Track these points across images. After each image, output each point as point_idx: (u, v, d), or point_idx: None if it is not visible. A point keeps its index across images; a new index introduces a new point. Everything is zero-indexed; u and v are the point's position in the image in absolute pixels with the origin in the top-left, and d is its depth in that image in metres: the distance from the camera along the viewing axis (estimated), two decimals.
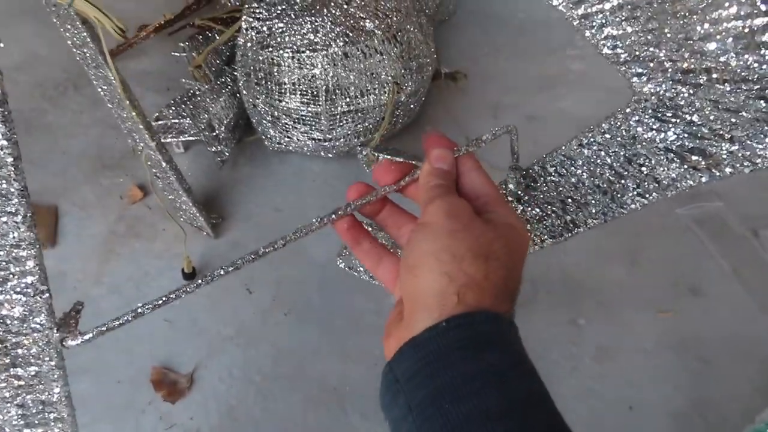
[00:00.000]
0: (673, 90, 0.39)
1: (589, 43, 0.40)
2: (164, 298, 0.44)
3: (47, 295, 0.40)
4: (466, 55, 1.72)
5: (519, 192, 0.53)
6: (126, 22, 1.82)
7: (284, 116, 1.26)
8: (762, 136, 0.38)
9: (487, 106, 1.58)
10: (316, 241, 1.25)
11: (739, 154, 0.40)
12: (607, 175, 0.47)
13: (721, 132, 0.40)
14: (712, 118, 0.39)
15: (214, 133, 1.27)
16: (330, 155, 1.36)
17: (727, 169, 0.41)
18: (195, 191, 1.37)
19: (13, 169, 0.35)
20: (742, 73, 0.36)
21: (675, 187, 0.44)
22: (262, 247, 0.47)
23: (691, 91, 0.39)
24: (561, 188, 0.50)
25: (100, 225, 1.30)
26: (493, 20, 1.88)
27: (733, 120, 0.39)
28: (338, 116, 1.23)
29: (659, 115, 0.41)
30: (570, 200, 0.50)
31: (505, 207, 0.43)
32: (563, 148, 0.48)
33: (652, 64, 0.39)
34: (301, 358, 1.08)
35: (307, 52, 1.16)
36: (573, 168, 0.48)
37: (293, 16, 1.17)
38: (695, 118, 0.40)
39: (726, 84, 0.37)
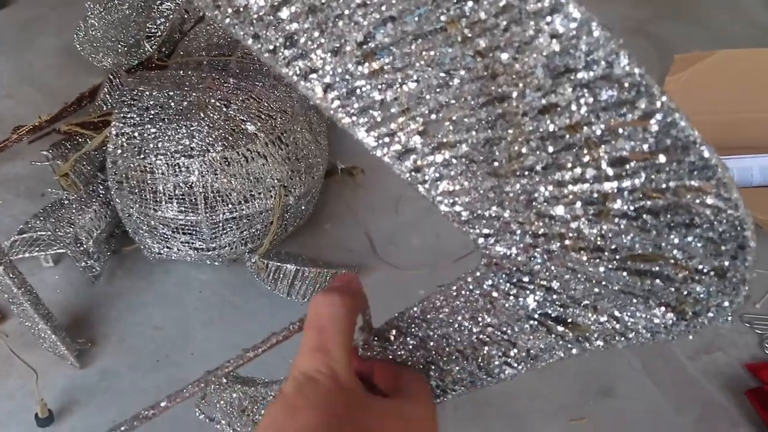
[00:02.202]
0: (524, 254, 0.33)
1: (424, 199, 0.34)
2: None
3: None
4: (366, 150, 1.68)
5: (370, 355, 0.45)
6: (3, 122, 1.68)
7: (162, 225, 1.15)
8: (632, 308, 0.32)
9: (387, 200, 1.53)
10: (202, 362, 1.11)
11: (609, 326, 0.33)
12: (467, 340, 0.39)
13: (584, 302, 0.33)
14: (572, 286, 0.33)
15: (82, 248, 1.14)
16: (216, 263, 1.25)
17: (598, 342, 0.35)
18: (63, 312, 1.21)
19: None
20: (598, 243, 0.30)
21: (544, 358, 0.37)
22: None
23: (545, 257, 0.32)
24: (419, 352, 0.42)
25: None
26: None
27: (596, 290, 0.32)
28: (221, 224, 1.13)
29: (515, 279, 0.35)
30: (432, 365, 0.42)
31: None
32: (414, 308, 0.40)
33: (497, 224, 0.32)
34: None
35: (183, 158, 1.07)
36: (429, 331, 0.41)
37: (167, 121, 1.09)
38: (554, 285, 0.33)
39: (582, 252, 0.31)
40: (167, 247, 1.19)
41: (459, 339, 0.40)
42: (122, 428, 0.39)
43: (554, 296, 0.34)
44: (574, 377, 1.13)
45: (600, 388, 1.12)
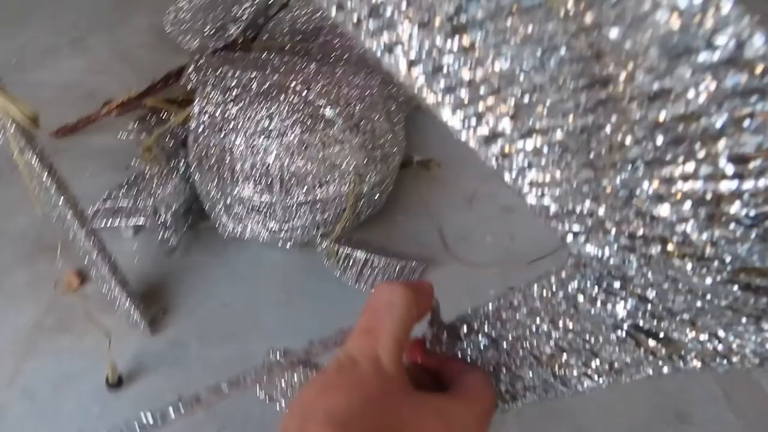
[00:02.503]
0: (619, 256, 0.29)
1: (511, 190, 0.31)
2: None
3: None
4: (443, 143, 1.65)
5: (442, 351, 0.42)
6: (95, 96, 1.77)
7: (237, 204, 1.16)
8: (739, 328, 0.28)
9: (462, 195, 1.50)
10: (268, 338, 1.13)
11: (709, 347, 0.30)
12: (544, 346, 0.36)
13: (683, 316, 0.29)
14: (671, 297, 0.29)
15: (160, 220, 1.17)
16: (288, 246, 1.26)
17: (694, 362, 0.31)
18: (139, 280, 1.26)
19: None
20: (707, 251, 0.26)
21: (630, 373, 0.34)
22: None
23: (642, 262, 0.29)
24: (489, 352, 0.39)
25: (26, 316, 1.18)
26: None
27: (698, 304, 0.28)
28: (294, 207, 1.14)
29: (604, 284, 0.31)
30: (504, 368, 0.40)
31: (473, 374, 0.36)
32: (489, 305, 0.38)
33: (590, 222, 0.29)
34: None
35: (261, 138, 1.08)
36: (503, 331, 0.38)
37: (248, 102, 1.10)
38: (650, 294, 0.30)
39: (686, 260, 0.27)
40: (241, 226, 1.20)
41: (535, 343, 0.37)
42: (181, 406, 0.39)
43: (648, 306, 0.30)
44: (648, 396, 1.06)
45: (675, 412, 1.05)
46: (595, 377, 0.35)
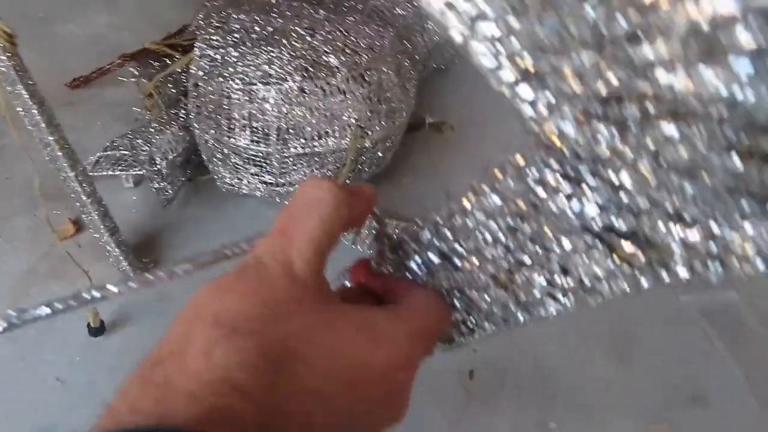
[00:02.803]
0: (587, 129, 0.23)
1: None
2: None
3: None
4: (461, 108, 1.58)
5: (389, 269, 0.36)
6: (118, 51, 1.73)
7: (234, 155, 1.11)
8: (739, 218, 0.21)
9: (475, 162, 1.42)
10: None
11: (700, 247, 0.23)
12: (502, 260, 0.30)
13: (667, 208, 0.23)
14: (652, 181, 0.23)
15: (156, 167, 1.13)
16: (286, 201, 1.20)
17: (680, 270, 0.24)
18: (135, 231, 1.22)
19: None
20: (697, 105, 0.19)
21: (601, 290, 0.27)
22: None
23: (615, 132, 0.22)
24: (441, 272, 0.33)
25: (21, 262, 1.15)
26: None
27: (687, 188, 0.22)
28: (291, 159, 1.08)
29: (570, 171, 0.25)
30: (457, 291, 0.33)
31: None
32: (441, 212, 0.31)
33: (551, 82, 0.22)
34: None
35: (259, 84, 1.03)
36: (454, 245, 0.31)
37: (249, 45, 1.04)
38: (625, 179, 0.23)
39: (672, 121, 0.20)
40: (238, 178, 1.16)
41: (491, 257, 0.30)
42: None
43: (623, 198, 0.24)
44: (660, 376, 0.99)
45: (691, 393, 0.97)
46: (560, 297, 0.29)
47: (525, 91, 0.23)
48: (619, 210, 0.24)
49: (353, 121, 1.07)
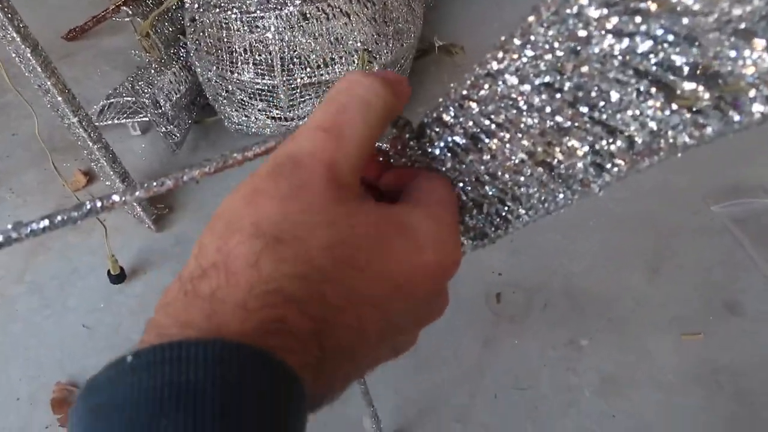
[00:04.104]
0: None
1: None
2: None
3: None
4: (471, 30, 1.50)
5: (410, 162, 0.33)
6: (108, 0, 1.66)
7: (239, 90, 1.07)
8: None
9: None
10: None
11: None
12: (539, 128, 0.26)
13: (739, 26, 0.19)
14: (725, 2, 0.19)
15: (160, 110, 1.10)
16: None
17: (756, 106, 0.20)
18: (146, 177, 1.20)
19: None
20: None
21: (655, 149, 0.23)
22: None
23: None
24: (471, 156, 0.30)
25: (36, 215, 1.13)
26: None
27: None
28: (299, 90, 1.04)
29: None
30: (487, 176, 0.30)
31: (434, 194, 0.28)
32: (466, 83, 0.28)
33: None
34: None
35: (258, 11, 0.98)
36: (483, 119, 0.28)
37: None
38: (690, 1, 0.20)
39: None
40: (245, 116, 1.12)
41: (526, 127, 0.27)
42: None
43: (685, 23, 0.20)
44: (693, 287, 0.96)
45: (725, 302, 0.94)
46: (608, 165, 0.25)
47: None
48: (678, 40, 0.20)
49: (359, 45, 1.01)
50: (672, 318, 0.92)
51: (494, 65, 0.26)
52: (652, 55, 0.21)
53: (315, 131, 0.23)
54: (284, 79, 1.02)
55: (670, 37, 0.20)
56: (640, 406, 0.85)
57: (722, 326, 0.92)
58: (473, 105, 0.28)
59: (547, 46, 0.24)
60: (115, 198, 0.31)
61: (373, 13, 1.02)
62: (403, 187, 0.30)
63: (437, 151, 0.31)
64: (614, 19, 0.21)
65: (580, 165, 0.26)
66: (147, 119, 1.20)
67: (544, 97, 0.25)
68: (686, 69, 0.21)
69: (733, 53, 0.20)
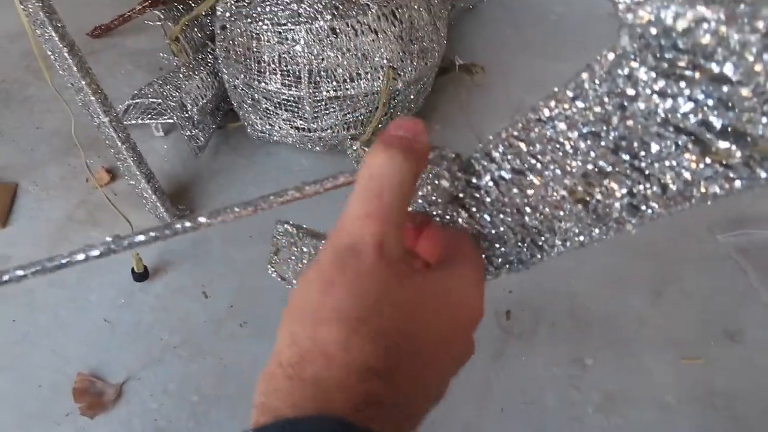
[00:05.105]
0: (689, 15, 0.22)
1: None
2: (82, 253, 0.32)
3: None
4: (490, 49, 1.54)
5: (456, 192, 0.36)
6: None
7: (265, 99, 1.11)
8: None
9: (507, 104, 1.40)
10: None
11: None
12: (581, 170, 0.30)
13: None
14: (757, 68, 0.22)
15: (186, 114, 1.13)
16: (318, 148, 1.21)
17: None
18: (168, 180, 1.23)
19: None
20: None
21: (687, 196, 0.27)
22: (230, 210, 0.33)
23: (719, 17, 0.22)
24: (515, 190, 0.33)
25: (59, 209, 1.17)
26: (526, 14, 1.70)
27: None
28: (324, 102, 1.07)
29: (664, 64, 0.24)
30: (529, 210, 0.33)
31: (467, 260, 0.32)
32: (517, 125, 0.31)
33: None
34: (250, 378, 0.92)
35: (289, 24, 1.01)
36: (530, 158, 0.31)
37: None
38: (728, 69, 0.23)
39: None
40: (269, 125, 1.15)
41: (570, 169, 0.30)
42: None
43: (724, 90, 0.23)
44: (695, 312, 0.99)
45: (725, 329, 0.97)
46: (642, 207, 0.29)
47: None
48: (717, 104, 0.24)
49: (385, 61, 1.05)
50: (672, 341, 0.96)
51: (546, 112, 0.29)
52: (692, 115, 0.25)
53: (363, 220, 0.27)
54: (310, 91, 1.05)
55: (710, 102, 0.24)
56: (638, 424, 0.88)
57: (722, 352, 0.95)
58: (522, 145, 0.31)
59: (597, 100, 0.27)
60: (202, 219, 0.34)
61: (400, 31, 1.06)
62: (437, 250, 0.34)
63: (482, 182, 0.34)
64: (661, 83, 0.25)
65: (617, 205, 0.29)
66: (171, 121, 1.24)
67: (589, 143, 0.29)
68: (722, 129, 0.24)
69: (765, 120, 0.23)
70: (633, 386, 0.91)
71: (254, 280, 1.04)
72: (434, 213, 0.37)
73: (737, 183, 0.25)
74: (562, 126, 0.29)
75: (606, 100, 0.27)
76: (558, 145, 0.30)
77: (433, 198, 0.38)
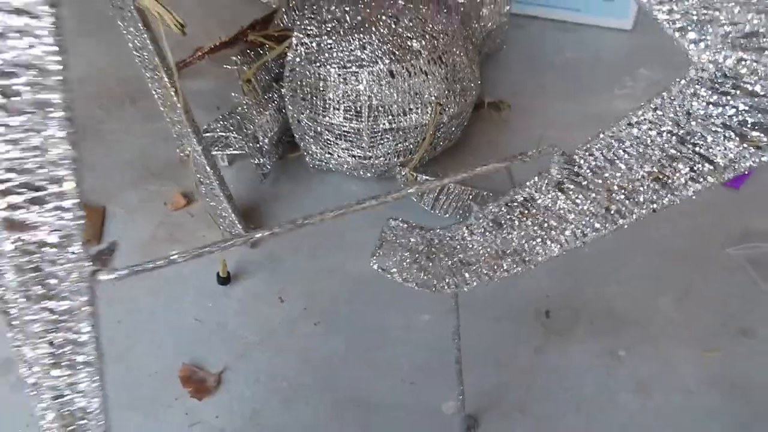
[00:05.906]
0: (733, 57, 0.38)
1: (648, 13, 0.39)
2: (200, 250, 0.45)
3: (82, 221, 0.39)
4: (510, 91, 1.72)
5: (561, 179, 0.51)
6: (182, 44, 1.90)
7: (326, 131, 1.27)
8: None
9: (529, 139, 1.57)
10: (352, 255, 1.24)
11: None
12: (658, 157, 0.45)
13: None
14: None
15: (258, 145, 1.29)
16: (369, 174, 1.36)
17: None
18: (238, 202, 1.38)
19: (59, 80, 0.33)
20: None
21: (732, 168, 0.42)
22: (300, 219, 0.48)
23: (755, 57, 0.37)
24: (607, 174, 0.48)
25: (143, 229, 1.32)
26: (540, 59, 1.89)
27: None
28: (380, 134, 1.24)
29: (717, 86, 0.40)
30: (617, 187, 0.48)
31: None
32: (612, 129, 0.47)
33: (710, 29, 0.37)
34: (328, 369, 1.05)
35: (353, 68, 1.18)
36: (620, 151, 0.47)
37: (342, 33, 1.20)
38: (758, 88, 0.38)
39: None
40: (328, 153, 1.31)
41: (649, 155, 0.45)
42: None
43: (756, 100, 0.39)
44: (713, 313, 1.13)
45: (739, 327, 1.11)
46: (700, 179, 0.44)
47: (691, 35, 0.39)
48: (751, 110, 0.39)
49: (433, 98, 1.22)
50: (694, 337, 1.10)
51: (633, 119, 0.45)
52: (734, 117, 0.40)
53: None
54: (369, 124, 1.22)
55: (746, 108, 0.39)
56: (664, 407, 1.01)
57: (736, 346, 1.09)
58: (613, 142, 0.47)
59: (671, 111, 0.43)
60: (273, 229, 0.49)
61: (445, 73, 1.23)
62: None
63: (581, 170, 0.50)
64: (715, 97, 0.40)
65: (681, 179, 0.45)
66: (236, 152, 1.40)
67: (665, 137, 0.44)
68: (753, 124, 0.40)
69: None
70: (660, 375, 1.05)
71: (324, 285, 1.18)
72: (538, 199, 0.52)
73: (764, 157, 0.40)
74: (644, 126, 0.45)
75: (678, 109, 0.42)
76: (641, 141, 0.45)
77: (540, 185, 0.53)
